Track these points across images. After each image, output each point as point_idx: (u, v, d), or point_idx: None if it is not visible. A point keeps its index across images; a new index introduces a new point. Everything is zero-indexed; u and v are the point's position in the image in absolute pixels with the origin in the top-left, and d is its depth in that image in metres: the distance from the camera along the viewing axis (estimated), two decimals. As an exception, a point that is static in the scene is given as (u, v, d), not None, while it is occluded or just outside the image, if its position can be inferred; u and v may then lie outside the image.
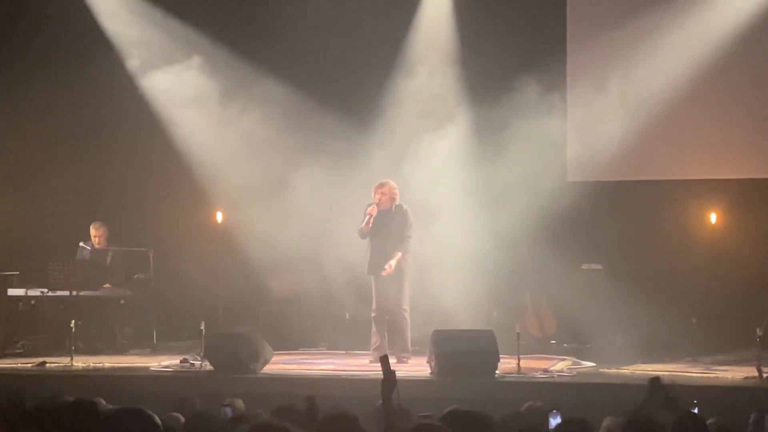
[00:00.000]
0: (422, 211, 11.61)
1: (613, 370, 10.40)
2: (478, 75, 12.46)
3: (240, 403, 6.42)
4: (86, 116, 13.34)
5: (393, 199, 11.16)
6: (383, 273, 11.00)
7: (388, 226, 11.11)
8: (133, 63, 12.91)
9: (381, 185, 11.17)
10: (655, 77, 12.13)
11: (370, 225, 11.05)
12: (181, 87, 12.68)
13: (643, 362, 10.68)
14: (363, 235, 11.18)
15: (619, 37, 12.23)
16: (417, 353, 10.99)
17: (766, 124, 12.18)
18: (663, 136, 12.30)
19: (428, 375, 10.00)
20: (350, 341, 11.99)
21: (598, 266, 12.23)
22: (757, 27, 11.92)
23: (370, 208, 11.09)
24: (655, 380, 6.41)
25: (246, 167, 12.50)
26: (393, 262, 10.99)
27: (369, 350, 11.17)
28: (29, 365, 10.84)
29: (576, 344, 11.74)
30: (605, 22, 12.45)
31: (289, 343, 12.20)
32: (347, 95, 12.56)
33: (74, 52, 13.27)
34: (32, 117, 13.35)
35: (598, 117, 12.17)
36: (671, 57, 12.07)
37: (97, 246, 12.57)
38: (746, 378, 9.70)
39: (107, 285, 12.28)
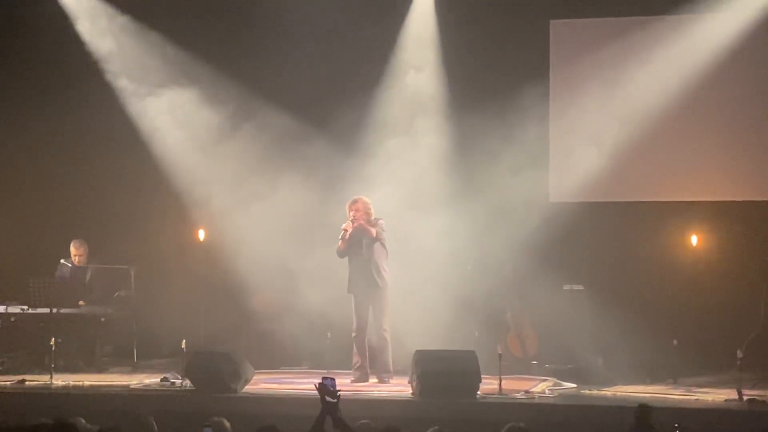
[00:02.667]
0: (402, 229, 11.60)
1: (595, 392, 10.41)
2: (461, 96, 12.49)
3: (226, 424, 6.33)
4: (68, 133, 13.28)
5: (368, 214, 11.14)
6: (356, 224, 10.93)
7: (364, 243, 11.08)
8: (117, 82, 12.89)
9: (354, 201, 11.16)
10: (637, 99, 12.17)
11: (346, 242, 11.04)
12: (164, 105, 12.70)
13: (624, 384, 10.69)
14: (341, 255, 11.18)
15: (601, 58, 12.29)
16: (398, 373, 10.97)
17: (746, 147, 12.25)
18: (645, 157, 12.35)
19: (410, 395, 9.99)
20: (332, 360, 11.95)
21: (580, 287, 12.23)
22: (737, 52, 12.00)
23: (345, 225, 11.09)
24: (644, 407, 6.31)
25: (228, 185, 12.49)
26: (373, 230, 10.93)
27: (351, 370, 11.14)
28: (8, 383, 10.77)
29: (557, 365, 11.73)
30: (588, 43, 12.52)
31: (270, 362, 12.14)
32: (330, 115, 12.53)
33: (57, 70, 13.26)
34: (13, 134, 13.29)
35: (580, 138, 12.23)
36: (653, 79, 12.13)
37: (77, 263, 12.51)
38: (727, 400, 9.72)
39: (81, 303, 12.16)
